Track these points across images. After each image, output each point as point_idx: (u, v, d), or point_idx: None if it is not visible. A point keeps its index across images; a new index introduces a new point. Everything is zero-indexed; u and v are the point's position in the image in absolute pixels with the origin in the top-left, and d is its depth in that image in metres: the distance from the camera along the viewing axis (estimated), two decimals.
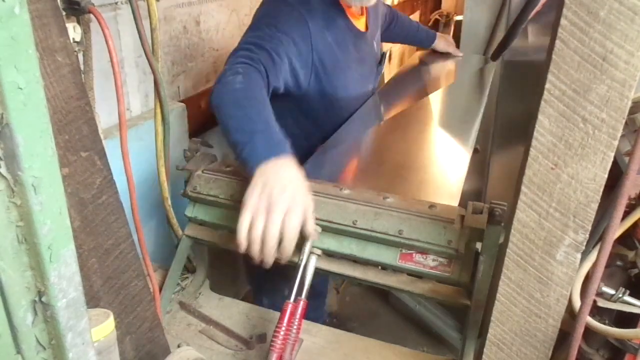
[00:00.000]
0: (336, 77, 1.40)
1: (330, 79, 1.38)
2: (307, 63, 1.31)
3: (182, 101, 1.75)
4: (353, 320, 2.19)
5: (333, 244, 1.00)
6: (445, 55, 2.12)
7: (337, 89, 1.41)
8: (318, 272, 1.01)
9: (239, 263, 1.62)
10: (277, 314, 1.11)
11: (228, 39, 1.98)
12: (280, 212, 0.83)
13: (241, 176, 1.05)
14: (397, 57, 3.68)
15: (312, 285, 0.99)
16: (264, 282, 1.58)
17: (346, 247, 0.99)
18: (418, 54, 2.20)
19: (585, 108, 0.60)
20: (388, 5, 1.94)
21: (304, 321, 1.01)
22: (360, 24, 1.49)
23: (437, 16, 4.11)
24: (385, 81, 1.99)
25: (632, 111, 1.06)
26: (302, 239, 0.93)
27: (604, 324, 0.83)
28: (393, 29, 1.94)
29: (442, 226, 0.92)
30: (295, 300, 0.93)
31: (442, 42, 2.11)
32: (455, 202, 1.07)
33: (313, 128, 1.44)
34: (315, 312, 1.94)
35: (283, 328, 0.90)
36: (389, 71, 3.60)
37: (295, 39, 1.26)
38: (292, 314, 0.92)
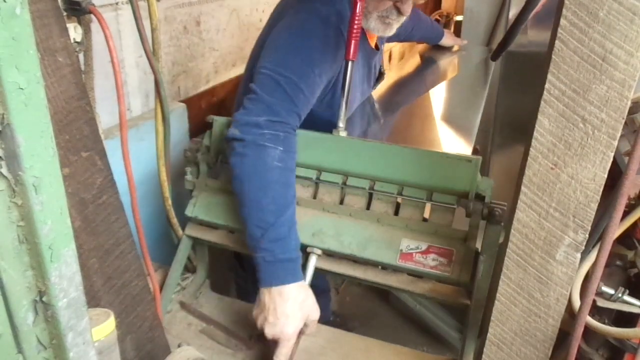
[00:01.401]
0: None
1: (338, 96, 1.23)
2: (329, 83, 1.24)
3: (182, 101, 1.75)
4: (353, 320, 2.18)
5: (333, 244, 1.00)
6: (446, 49, 2.14)
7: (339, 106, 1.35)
8: (318, 272, 1.01)
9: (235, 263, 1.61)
10: None
11: (228, 39, 1.98)
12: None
13: None
14: (397, 56, 3.68)
15: (315, 285, 1.00)
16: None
17: (346, 247, 0.99)
18: (419, 48, 2.20)
19: (585, 108, 0.61)
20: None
21: None
22: (373, 41, 1.44)
23: (437, 16, 4.11)
24: (385, 78, 1.98)
25: (631, 111, 1.06)
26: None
27: (604, 323, 0.83)
28: (414, 31, 1.93)
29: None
30: None
31: (449, 37, 2.17)
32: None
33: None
34: (322, 311, 1.91)
35: None
36: (389, 69, 3.58)
37: (332, 64, 1.19)
38: None
